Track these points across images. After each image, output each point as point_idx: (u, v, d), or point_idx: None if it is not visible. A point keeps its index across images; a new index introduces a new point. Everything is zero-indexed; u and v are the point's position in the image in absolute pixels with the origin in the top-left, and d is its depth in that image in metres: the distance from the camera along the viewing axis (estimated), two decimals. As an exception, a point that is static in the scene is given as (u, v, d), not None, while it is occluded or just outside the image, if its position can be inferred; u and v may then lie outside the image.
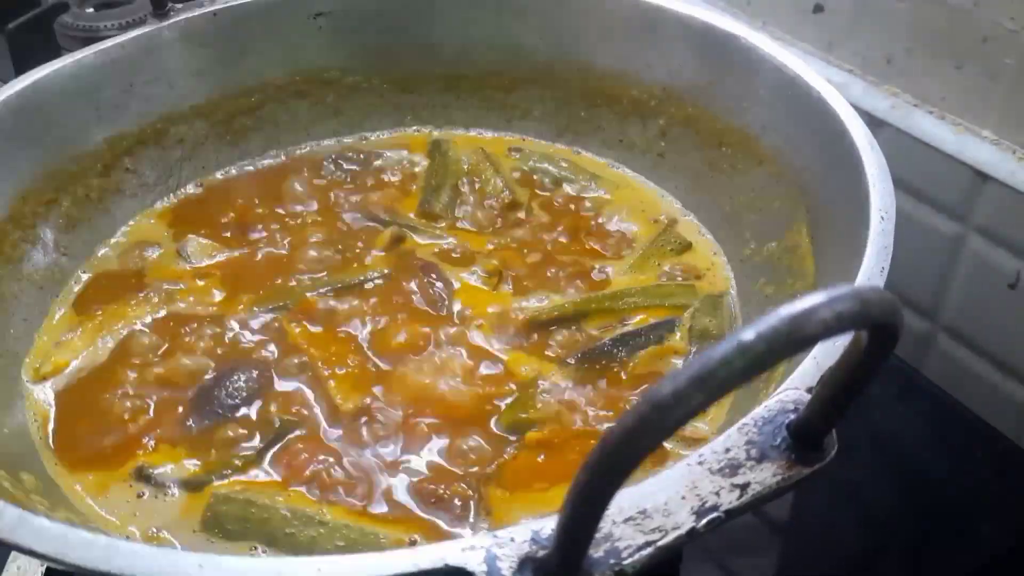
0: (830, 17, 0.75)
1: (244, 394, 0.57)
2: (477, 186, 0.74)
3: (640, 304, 0.63)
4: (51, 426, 0.56)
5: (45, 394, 0.58)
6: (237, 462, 0.53)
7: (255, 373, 0.58)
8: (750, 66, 0.65)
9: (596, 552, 0.30)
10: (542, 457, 0.53)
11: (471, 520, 0.50)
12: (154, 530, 0.50)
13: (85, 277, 0.67)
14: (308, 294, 0.64)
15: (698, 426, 0.54)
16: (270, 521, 0.49)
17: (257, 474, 0.53)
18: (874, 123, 0.71)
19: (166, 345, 0.61)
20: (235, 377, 0.58)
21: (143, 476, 0.53)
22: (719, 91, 0.69)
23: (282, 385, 0.58)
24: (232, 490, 0.51)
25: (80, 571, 0.34)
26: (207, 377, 0.58)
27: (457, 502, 0.50)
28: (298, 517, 0.49)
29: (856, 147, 0.53)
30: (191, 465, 0.53)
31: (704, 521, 0.31)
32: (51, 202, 0.66)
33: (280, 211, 0.72)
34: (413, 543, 0.48)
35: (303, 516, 0.49)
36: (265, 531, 0.49)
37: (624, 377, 0.58)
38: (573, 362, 0.59)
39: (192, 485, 0.52)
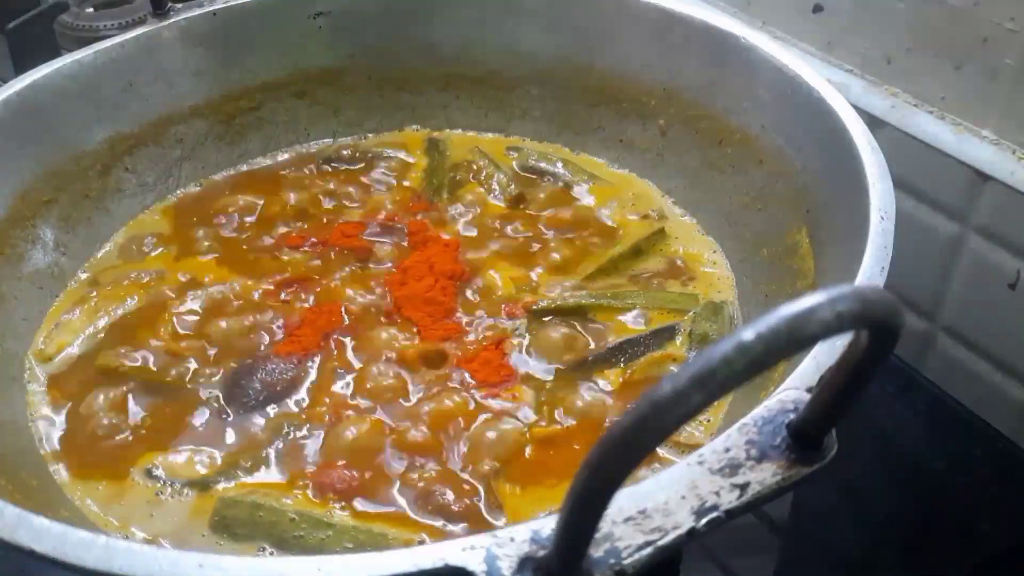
0: (830, 17, 0.75)
1: (270, 391, 0.57)
2: (478, 180, 0.75)
3: (640, 305, 0.63)
4: (54, 427, 0.56)
5: (47, 393, 0.58)
6: (245, 463, 0.53)
7: (274, 369, 0.58)
8: (750, 66, 0.65)
9: (596, 552, 0.30)
10: (550, 453, 0.53)
11: (481, 517, 0.50)
12: (162, 535, 0.50)
13: (85, 277, 0.67)
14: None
15: (694, 433, 0.54)
16: (278, 524, 0.49)
17: (262, 476, 0.53)
18: (874, 123, 0.71)
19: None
20: (258, 373, 0.58)
21: (151, 476, 0.53)
22: (719, 91, 0.69)
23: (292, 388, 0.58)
24: (239, 492, 0.51)
25: (80, 571, 0.34)
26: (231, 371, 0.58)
27: (464, 502, 0.50)
28: (306, 520, 0.49)
29: (856, 147, 0.53)
30: (200, 466, 0.53)
31: (704, 521, 0.31)
32: (51, 202, 0.66)
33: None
34: (422, 543, 0.48)
35: (311, 519, 0.49)
36: (274, 534, 0.49)
37: (621, 382, 0.58)
38: (574, 370, 0.59)
39: (200, 486, 0.52)
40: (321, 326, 0.61)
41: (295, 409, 0.56)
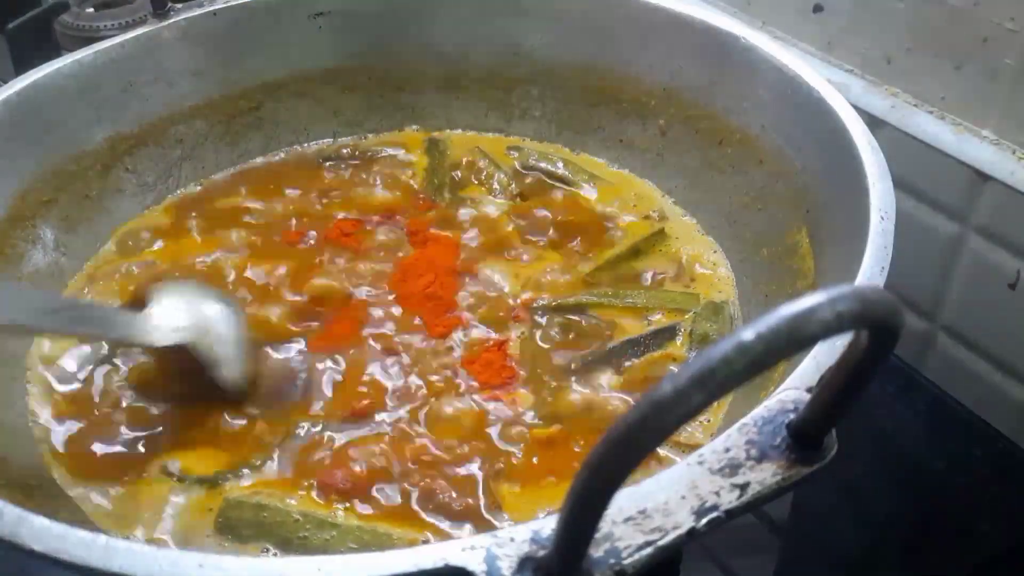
0: (830, 17, 0.75)
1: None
2: (478, 180, 0.75)
3: (639, 304, 0.63)
4: (54, 427, 0.56)
5: (49, 394, 0.58)
6: (257, 461, 0.53)
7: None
8: (750, 66, 0.65)
9: (596, 552, 0.30)
10: (550, 453, 0.53)
11: (481, 517, 0.50)
12: (166, 536, 0.50)
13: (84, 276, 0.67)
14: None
15: (694, 433, 0.54)
16: (283, 525, 0.49)
17: (270, 474, 0.53)
18: (874, 123, 0.71)
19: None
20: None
21: (164, 472, 0.53)
22: (719, 91, 0.69)
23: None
24: (244, 493, 0.51)
25: (80, 571, 0.34)
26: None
27: (466, 500, 0.50)
28: (310, 520, 0.49)
29: (856, 147, 0.53)
30: (208, 464, 0.53)
31: (704, 521, 0.32)
32: (51, 202, 0.66)
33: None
34: (426, 543, 0.48)
35: (315, 519, 0.49)
36: (279, 535, 0.49)
37: (621, 382, 0.58)
38: (574, 367, 0.59)
39: (209, 484, 0.52)
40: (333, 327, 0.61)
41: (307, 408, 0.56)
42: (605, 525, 0.31)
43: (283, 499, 0.51)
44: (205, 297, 0.59)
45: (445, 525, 0.50)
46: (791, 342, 0.25)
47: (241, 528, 0.49)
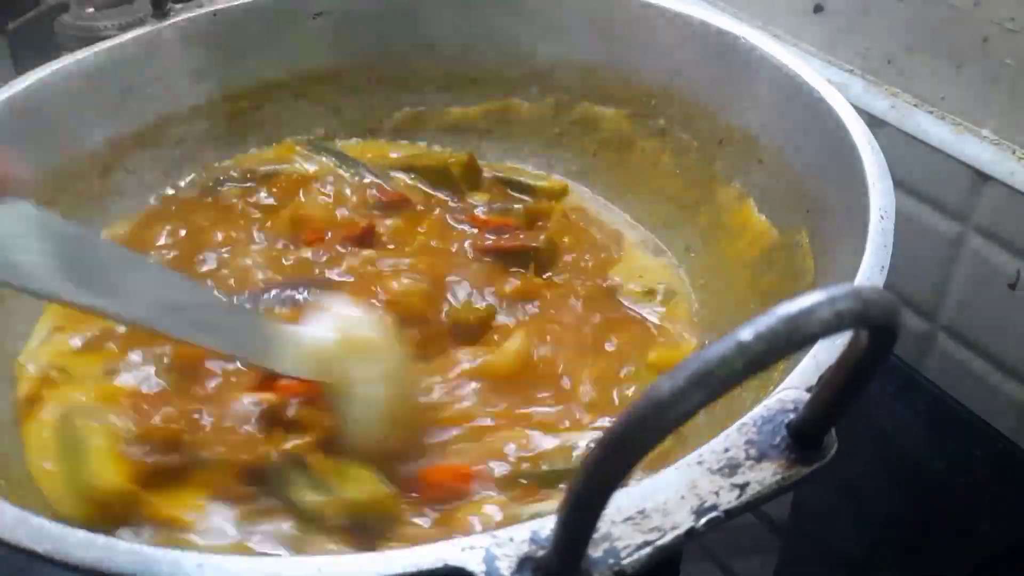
0: (830, 17, 0.75)
1: None
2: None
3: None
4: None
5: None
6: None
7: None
8: (750, 66, 0.65)
9: (595, 552, 0.30)
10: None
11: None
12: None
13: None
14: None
15: None
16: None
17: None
18: (874, 123, 0.71)
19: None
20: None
21: None
22: (719, 91, 0.69)
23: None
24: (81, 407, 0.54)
25: (80, 571, 0.34)
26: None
27: None
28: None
29: (856, 147, 0.53)
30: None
31: (703, 521, 0.32)
32: (50, 203, 0.66)
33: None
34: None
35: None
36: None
37: None
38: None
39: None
40: None
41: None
42: (604, 525, 0.31)
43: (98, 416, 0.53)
44: (369, 331, 0.49)
45: None
46: (790, 341, 0.25)
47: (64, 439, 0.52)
